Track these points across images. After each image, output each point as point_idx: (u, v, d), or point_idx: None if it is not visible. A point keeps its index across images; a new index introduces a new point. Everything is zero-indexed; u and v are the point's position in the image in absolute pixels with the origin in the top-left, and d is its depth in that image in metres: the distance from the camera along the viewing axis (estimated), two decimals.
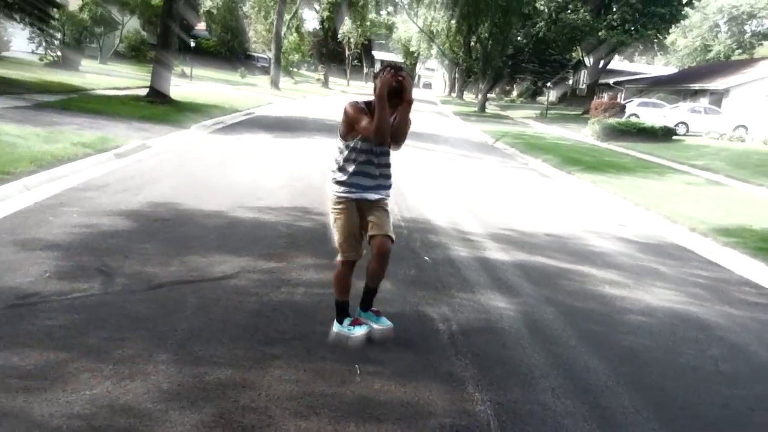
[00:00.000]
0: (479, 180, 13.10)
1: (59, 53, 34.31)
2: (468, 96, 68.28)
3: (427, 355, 4.19)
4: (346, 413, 3.35)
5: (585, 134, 28.35)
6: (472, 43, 57.27)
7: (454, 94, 73.82)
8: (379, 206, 4.27)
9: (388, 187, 4.40)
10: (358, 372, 3.83)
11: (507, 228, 8.46)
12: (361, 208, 4.25)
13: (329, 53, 63.09)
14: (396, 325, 4.49)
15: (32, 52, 35.72)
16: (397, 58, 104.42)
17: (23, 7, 21.00)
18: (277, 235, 6.88)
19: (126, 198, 7.77)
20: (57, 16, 30.14)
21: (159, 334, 4.10)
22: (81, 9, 39.57)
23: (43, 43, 33.54)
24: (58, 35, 34.92)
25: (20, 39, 34.76)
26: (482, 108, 45.54)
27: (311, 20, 78.85)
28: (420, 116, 33.02)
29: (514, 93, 70.57)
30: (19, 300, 4.43)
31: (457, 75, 72.32)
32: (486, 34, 47.01)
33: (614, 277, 6.72)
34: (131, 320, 4.29)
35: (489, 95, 54.78)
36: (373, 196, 4.26)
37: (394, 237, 4.26)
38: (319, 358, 3.98)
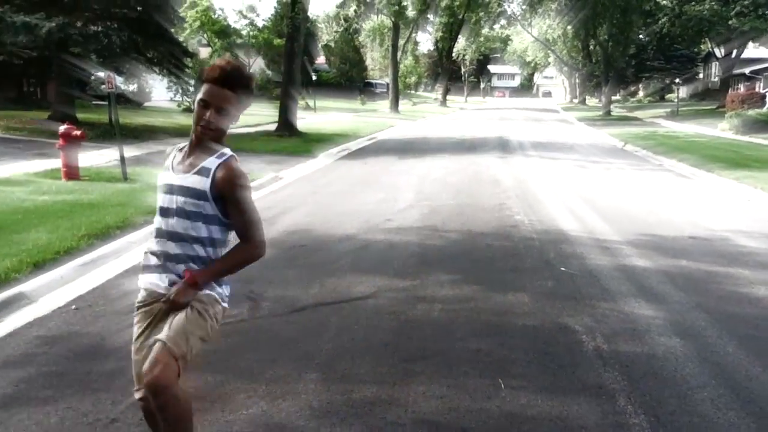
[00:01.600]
0: (611, 186, 12.63)
1: (194, 98, 36.77)
2: (591, 101, 66.19)
3: (573, 368, 4.07)
4: (494, 428, 3.33)
5: (722, 129, 26.66)
6: (592, 47, 55.62)
7: (575, 101, 71.83)
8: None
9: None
10: (503, 387, 3.79)
11: (646, 233, 8.09)
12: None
13: (445, 72, 63.39)
14: (537, 341, 4.42)
15: (170, 100, 38.48)
16: (513, 70, 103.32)
17: (161, 60, 22.70)
18: (408, 254, 6.97)
19: (264, 227, 8.14)
20: (190, 64, 32.36)
21: (306, 354, 4.26)
22: (211, 56, 42.24)
23: (179, 91, 36.02)
24: (192, 82, 37.40)
25: (159, 89, 37.59)
26: (607, 111, 43.99)
27: (425, 42, 79.69)
28: (542, 126, 32.38)
29: (641, 93, 67.61)
30: None
31: (577, 80, 70.36)
32: (605, 36, 45.54)
33: None
34: (279, 342, 4.50)
35: (614, 98, 52.87)
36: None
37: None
38: (461, 373, 3.98)
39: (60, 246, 6.68)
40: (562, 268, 6.35)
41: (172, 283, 2.66)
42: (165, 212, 2.66)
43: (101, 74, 26.19)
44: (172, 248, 2.65)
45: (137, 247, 7.10)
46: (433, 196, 10.84)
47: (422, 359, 4.21)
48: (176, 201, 2.60)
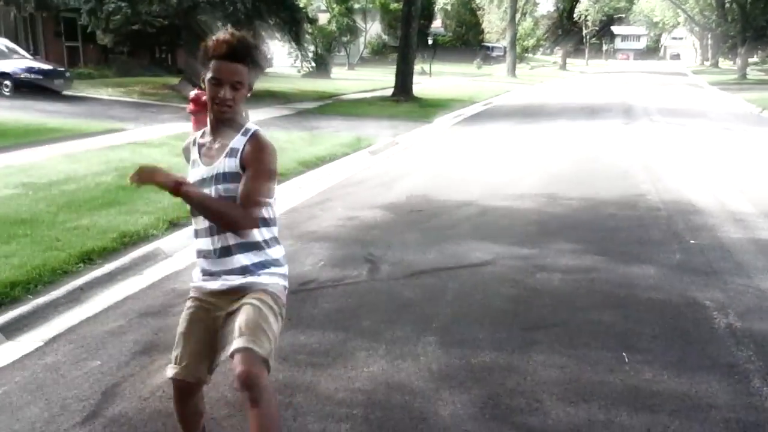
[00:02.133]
0: (746, 154, 11.79)
1: (313, 64, 37.52)
2: (724, 64, 61.75)
3: (702, 345, 3.89)
4: (617, 402, 3.25)
5: None
6: (727, 4, 51.65)
7: (707, 63, 67.25)
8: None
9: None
10: (626, 360, 3.69)
11: None
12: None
13: (565, 34, 61.09)
14: (664, 313, 4.26)
15: (291, 66, 39.46)
16: (639, 30, 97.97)
17: (283, 26, 23.26)
18: (527, 221, 6.86)
19: (382, 192, 8.28)
20: (310, 30, 32.95)
21: (424, 318, 4.32)
22: (329, 21, 42.83)
23: (299, 57, 36.85)
24: (312, 48, 38.14)
25: (280, 55, 38.61)
26: (743, 75, 40.85)
27: (545, 2, 76.98)
28: (670, 90, 30.63)
29: None
30: (301, 286, 4.94)
31: (709, 41, 65.76)
32: None
33: None
34: (398, 305, 4.58)
35: (751, 60, 49.04)
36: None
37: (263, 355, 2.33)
38: (582, 344, 3.91)
39: None
40: (692, 241, 6.04)
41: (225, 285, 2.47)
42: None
43: None
44: (223, 242, 2.43)
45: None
46: (550, 162, 10.57)
47: (542, 328, 4.16)
48: (215, 191, 2.38)
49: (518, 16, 50.07)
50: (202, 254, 2.51)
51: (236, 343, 2.29)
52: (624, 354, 3.76)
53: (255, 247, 2.48)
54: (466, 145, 13.25)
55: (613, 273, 5.24)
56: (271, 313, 2.45)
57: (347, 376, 3.54)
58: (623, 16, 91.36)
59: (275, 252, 2.58)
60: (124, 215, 6.50)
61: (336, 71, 39.60)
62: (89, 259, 5.31)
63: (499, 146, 12.77)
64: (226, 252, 2.45)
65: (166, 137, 12.25)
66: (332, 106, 20.57)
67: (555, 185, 8.69)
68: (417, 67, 37.24)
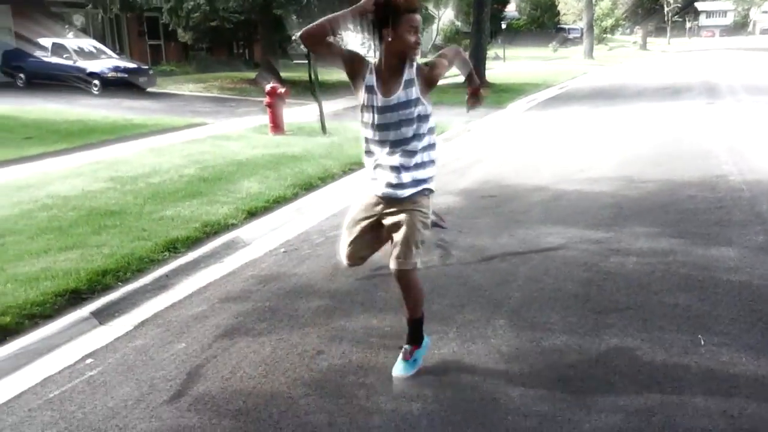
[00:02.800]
0: None
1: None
2: None
3: None
4: (691, 384, 3.21)
5: None
6: None
7: None
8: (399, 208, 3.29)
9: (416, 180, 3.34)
10: (702, 343, 3.62)
11: None
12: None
13: (645, 13, 58.87)
14: (743, 296, 4.16)
15: (364, 55, 39.76)
16: (725, 5, 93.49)
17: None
18: (601, 205, 6.75)
19: (455, 178, 8.31)
20: None
21: (494, 302, 4.35)
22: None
23: (372, 47, 37.08)
24: None
25: (354, 46, 38.98)
26: None
27: None
28: (759, 68, 29.17)
29: None
30: (373, 272, 5.04)
31: None
32: None
33: None
34: (468, 289, 4.62)
35: None
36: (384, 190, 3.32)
37: (412, 260, 3.25)
38: (656, 327, 3.86)
39: (269, 195, 7.32)
40: None
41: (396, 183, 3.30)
42: (385, 127, 3.25)
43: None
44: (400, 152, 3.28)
45: (336, 196, 7.59)
46: (628, 145, 10.31)
47: (614, 311, 4.13)
48: (395, 116, 3.20)
49: None
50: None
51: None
52: (700, 337, 3.69)
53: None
54: (539, 130, 13.07)
55: (691, 255, 5.11)
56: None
57: None
58: None
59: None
60: (206, 206, 6.79)
61: None
62: (174, 247, 5.58)
63: (574, 130, 12.54)
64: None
65: (243, 130, 12.64)
66: None
67: (632, 168, 8.50)
68: (491, 52, 36.84)
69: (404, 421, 3.01)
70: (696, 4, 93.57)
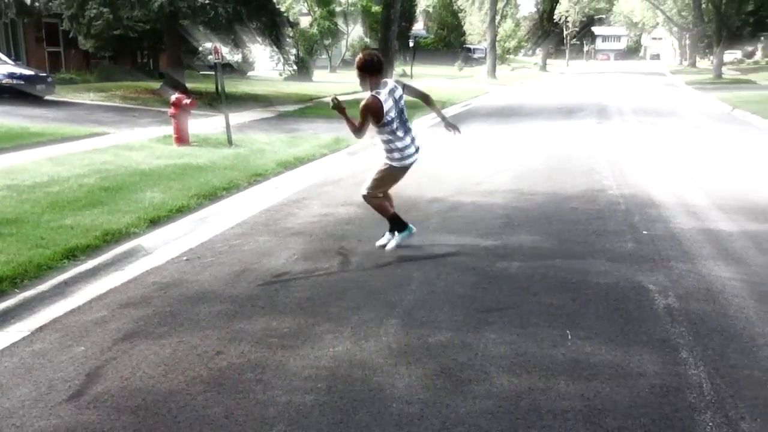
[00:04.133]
0: (709, 151, 12.22)
1: (295, 67, 37.82)
2: (703, 64, 62.70)
3: (640, 323, 4.25)
4: (556, 372, 3.59)
5: None
6: (704, 5, 52.50)
7: (686, 63, 68.23)
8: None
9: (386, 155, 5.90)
10: (569, 337, 4.03)
11: (739, 199, 7.93)
12: None
13: (546, 35, 61.78)
14: (610, 298, 4.63)
15: (273, 69, 39.72)
16: (619, 31, 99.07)
17: (264, 30, 23.49)
18: (493, 216, 7.20)
19: (357, 190, 8.49)
20: (291, 34, 33.22)
21: (389, 304, 4.64)
22: (311, 24, 43.15)
23: (281, 60, 37.15)
24: (293, 51, 38.42)
25: (263, 59, 38.87)
26: (718, 74, 41.62)
27: (527, 3, 77.69)
28: (646, 90, 31.21)
29: (758, 54, 63.38)
30: (275, 278, 5.25)
31: (687, 42, 66.68)
32: None
33: None
34: (365, 292, 4.89)
35: (727, 60, 49.86)
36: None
37: (366, 193, 5.94)
38: (531, 324, 4.25)
39: (172, 204, 7.36)
40: (645, 231, 6.42)
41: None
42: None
43: (209, 45, 27.37)
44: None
45: (241, 206, 7.71)
46: (522, 160, 10.95)
47: (496, 310, 4.50)
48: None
49: (498, 17, 50.60)
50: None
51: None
52: (568, 332, 4.10)
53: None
54: (441, 145, 13.54)
55: (568, 261, 5.59)
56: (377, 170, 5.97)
57: (314, 355, 3.85)
58: (604, 16, 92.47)
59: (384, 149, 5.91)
60: (107, 215, 6.77)
61: (318, 74, 39.91)
62: (73, 255, 5.58)
63: (474, 146, 13.13)
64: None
65: (146, 140, 12.51)
66: (313, 108, 20.87)
67: (524, 181, 9.06)
68: (398, 69, 37.66)
69: (298, 412, 3.23)
70: (593, 29, 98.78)
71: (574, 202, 7.78)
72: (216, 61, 12.23)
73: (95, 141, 12.49)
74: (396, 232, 5.97)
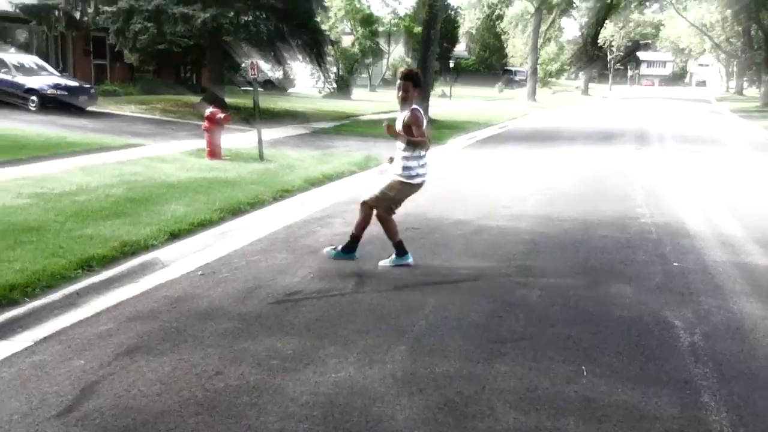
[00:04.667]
0: (750, 181, 11.81)
1: (335, 85, 38.08)
2: (750, 91, 61.36)
3: (662, 362, 4.01)
4: (566, 411, 3.38)
5: None
6: (753, 32, 51.43)
7: (732, 90, 66.83)
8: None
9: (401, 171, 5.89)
10: (585, 373, 3.82)
11: None
12: None
13: (589, 59, 61.09)
14: (632, 332, 4.40)
15: (313, 87, 40.06)
16: (665, 56, 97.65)
17: (305, 48, 23.69)
18: (518, 241, 7.00)
19: None
20: (332, 52, 33.51)
21: (399, 329, 4.48)
22: (353, 44, 43.47)
23: (321, 78, 37.44)
24: (334, 69, 38.73)
25: (303, 76, 39.26)
26: (766, 102, 40.63)
27: (571, 27, 77.25)
28: (689, 117, 30.57)
29: None
30: (286, 296, 5.14)
31: (735, 69, 65.31)
32: None
33: None
34: (376, 315, 4.74)
35: None
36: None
37: (368, 200, 6.03)
38: (546, 357, 4.04)
39: (195, 218, 7.33)
40: (675, 263, 6.14)
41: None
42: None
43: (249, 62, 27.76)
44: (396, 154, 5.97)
45: (264, 222, 7.65)
46: (555, 185, 10.70)
47: (510, 341, 4.30)
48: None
49: (541, 40, 50.33)
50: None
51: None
52: (583, 367, 3.88)
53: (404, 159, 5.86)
54: (474, 166, 13.43)
55: (591, 291, 5.36)
56: (390, 187, 5.99)
57: (315, 380, 3.71)
58: (649, 42, 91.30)
59: (412, 163, 5.91)
60: (128, 226, 6.76)
61: (357, 93, 40.10)
62: (88, 266, 5.56)
63: (506, 168, 12.93)
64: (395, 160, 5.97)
65: (179, 153, 12.61)
66: (348, 126, 20.89)
67: (553, 207, 8.83)
68: (438, 90, 37.65)
69: None
70: (638, 54, 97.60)
71: (603, 230, 7.52)
72: (253, 77, 12.29)
73: (129, 152, 12.64)
74: (395, 255, 6.00)
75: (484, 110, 30.33)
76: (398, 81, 5.78)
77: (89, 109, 19.78)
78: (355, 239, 6.07)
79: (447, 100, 37.79)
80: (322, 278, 5.64)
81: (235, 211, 7.98)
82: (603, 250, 6.63)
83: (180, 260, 6.17)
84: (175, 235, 6.76)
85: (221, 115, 12.12)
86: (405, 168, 5.81)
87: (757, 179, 12.15)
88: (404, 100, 5.73)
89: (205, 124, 12.16)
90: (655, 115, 30.93)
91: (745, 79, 62.13)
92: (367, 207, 5.99)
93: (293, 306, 4.96)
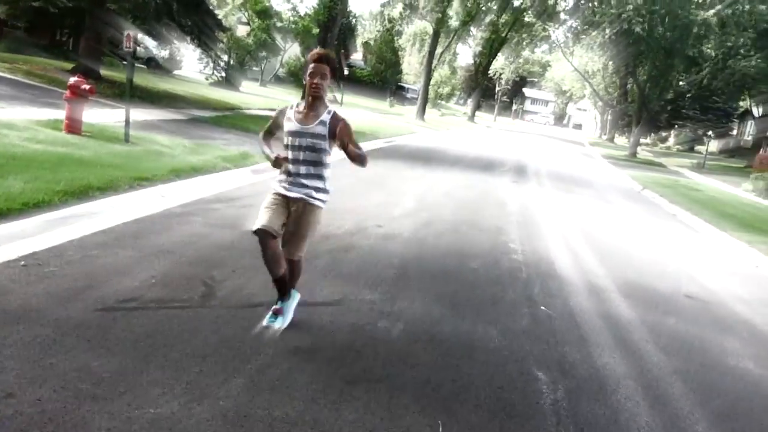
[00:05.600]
0: (617, 227, 12.20)
1: (223, 74, 36.72)
2: (620, 140, 65.51)
3: (524, 421, 3.71)
4: None
5: (745, 189, 26.04)
6: (629, 85, 54.97)
7: (605, 137, 71.14)
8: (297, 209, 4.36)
9: (322, 195, 4.41)
10: (440, 429, 3.44)
11: (641, 282, 7.70)
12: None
13: (478, 88, 62.94)
14: (494, 382, 4.08)
15: (200, 72, 38.42)
16: (548, 96, 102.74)
17: (194, 30, 22.48)
18: (388, 264, 6.62)
19: (251, 212, 7.80)
20: (225, 39, 32.22)
21: (242, 356, 3.93)
22: (248, 34, 42.20)
23: (210, 64, 36.00)
24: (225, 57, 37.36)
25: (191, 60, 37.59)
26: (633, 153, 43.37)
27: (465, 54, 79.40)
28: (564, 157, 31.92)
29: (671, 140, 66.84)
30: (118, 303, 4.46)
31: (609, 117, 69.61)
32: (645, 76, 44.90)
33: (762, 353, 5.84)
34: (219, 337, 4.17)
35: (643, 141, 52.17)
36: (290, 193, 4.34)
37: (296, 258, 4.47)
38: (401, 406, 3.64)
39: (31, 197, 6.42)
40: (542, 307, 5.96)
41: (297, 195, 4.30)
42: (296, 148, 4.25)
43: (137, 35, 26.06)
44: (302, 170, 4.28)
45: (114, 211, 6.83)
46: (433, 208, 10.48)
47: (365, 381, 3.87)
48: (305, 141, 4.22)
49: (436, 62, 51.20)
50: (288, 175, 4.31)
51: (286, 252, 4.38)
52: (440, 422, 3.51)
53: (319, 178, 4.35)
54: (352, 178, 12.99)
55: (458, 330, 5.04)
56: (314, 224, 4.41)
57: (127, 415, 3.10)
58: (536, 80, 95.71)
59: (328, 184, 4.43)
60: None
61: (247, 85, 38.90)
62: None
63: (385, 184, 12.63)
64: (300, 177, 4.30)
65: (34, 122, 11.33)
66: (231, 118, 19.92)
67: (429, 230, 8.57)
68: (330, 95, 37.21)
69: None
70: (524, 90, 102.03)
71: (475, 262, 7.30)
72: (128, 49, 11.26)
73: None
74: (282, 302, 4.50)
75: (373, 122, 30.16)
76: (310, 65, 4.08)
77: None
78: (281, 281, 4.43)
79: (338, 106, 37.38)
80: (165, 285, 4.98)
81: (82, 195, 7.10)
82: (473, 285, 6.37)
83: (1, 245, 5.30)
84: (1, 214, 5.86)
85: (86, 86, 11.00)
86: (325, 191, 4.39)
87: (625, 228, 12.55)
88: (316, 93, 4.10)
89: (66, 93, 11.00)
90: (533, 151, 32.04)
91: (617, 128, 66.23)
92: (295, 262, 4.46)
93: (124, 316, 4.29)
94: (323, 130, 4.19)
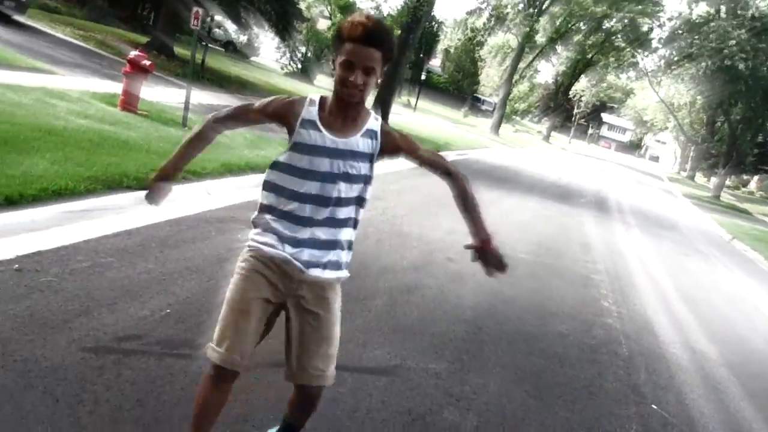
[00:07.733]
0: (718, 288, 10.58)
1: (299, 65, 36.13)
2: (700, 178, 62.36)
3: None
4: None
5: None
6: (719, 123, 52.09)
7: (683, 174, 67.94)
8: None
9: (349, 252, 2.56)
10: None
11: (764, 371, 6.28)
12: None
13: (557, 108, 60.85)
14: None
15: (276, 61, 37.96)
16: (626, 124, 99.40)
17: (273, 16, 21.75)
18: (458, 318, 5.40)
19: None
20: (304, 30, 31.56)
21: None
22: (328, 28, 41.57)
23: (288, 54, 35.47)
24: (302, 49, 36.79)
25: (269, 48, 37.17)
26: (717, 195, 40.79)
27: (546, 72, 77.43)
28: (645, 191, 30.03)
29: (753, 185, 63.30)
30: (114, 342, 3.44)
31: (692, 154, 66.37)
32: (738, 116, 42.26)
33: None
34: (234, 415, 3.04)
35: (725, 183, 49.33)
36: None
37: (327, 379, 2.54)
38: None
39: (51, 182, 5.50)
40: (653, 406, 4.63)
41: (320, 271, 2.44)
42: (323, 178, 2.39)
43: (218, 18, 25.51)
44: (332, 215, 2.43)
45: (144, 208, 5.84)
46: (510, 242, 9.15)
47: None
48: (343, 165, 2.41)
49: (516, 77, 49.57)
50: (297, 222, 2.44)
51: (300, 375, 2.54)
52: None
53: (354, 226, 2.57)
54: (421, 195, 11.80)
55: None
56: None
57: None
58: (616, 106, 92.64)
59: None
60: None
61: (322, 79, 38.22)
62: None
63: (454, 208, 11.38)
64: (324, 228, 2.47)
65: (89, 93, 10.60)
66: None
67: (512, 271, 7.29)
68: (404, 98, 36.20)
69: None
70: (602, 114, 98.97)
71: (563, 324, 5.98)
72: (194, 27, 10.38)
73: (31, 77, 10.52)
74: None
75: (446, 131, 28.93)
76: (346, 44, 2.25)
77: (16, 18, 17.34)
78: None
79: (411, 111, 36.30)
80: (180, 320, 3.92)
81: (114, 184, 6.17)
82: (562, 361, 5.06)
83: (1, 239, 4.37)
84: (12, 201, 4.94)
85: (147, 62, 10.17)
86: (350, 246, 2.59)
87: (725, 287, 10.96)
88: (354, 99, 2.34)
89: (126, 67, 10.20)
90: (611, 181, 30.16)
91: (699, 167, 63.16)
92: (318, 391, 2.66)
93: (115, 364, 3.25)
94: (370, 146, 2.45)
